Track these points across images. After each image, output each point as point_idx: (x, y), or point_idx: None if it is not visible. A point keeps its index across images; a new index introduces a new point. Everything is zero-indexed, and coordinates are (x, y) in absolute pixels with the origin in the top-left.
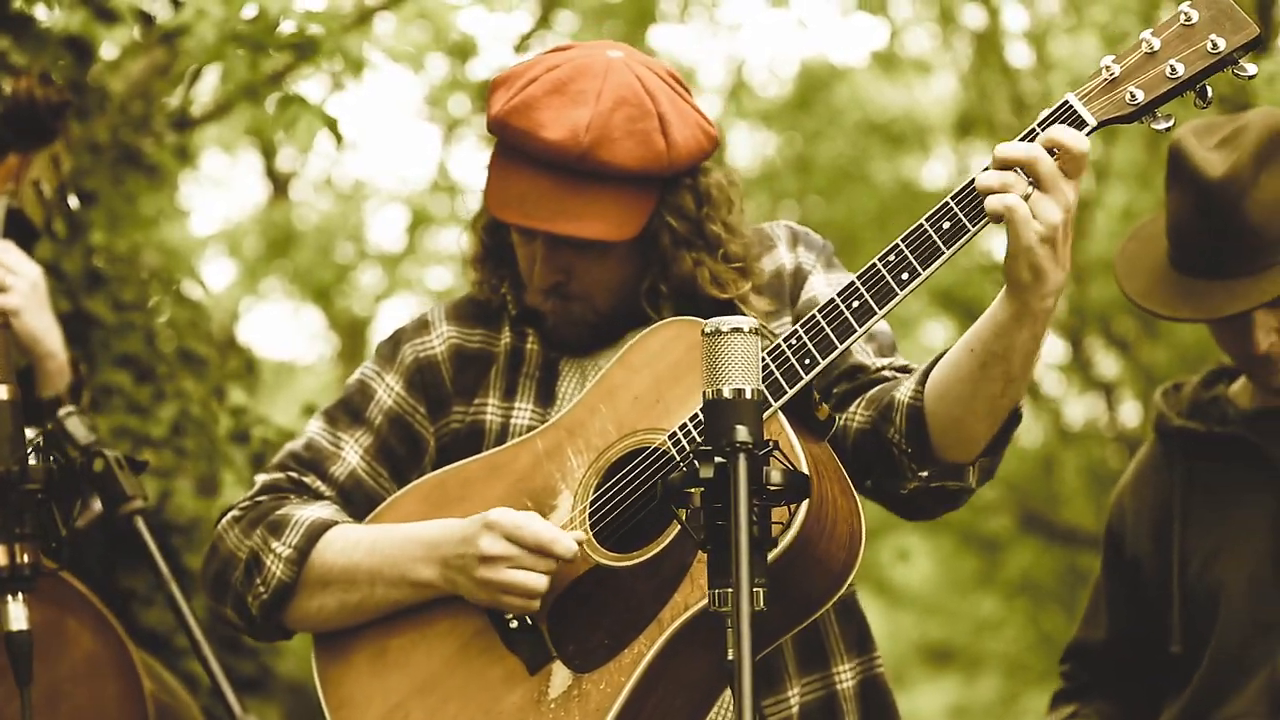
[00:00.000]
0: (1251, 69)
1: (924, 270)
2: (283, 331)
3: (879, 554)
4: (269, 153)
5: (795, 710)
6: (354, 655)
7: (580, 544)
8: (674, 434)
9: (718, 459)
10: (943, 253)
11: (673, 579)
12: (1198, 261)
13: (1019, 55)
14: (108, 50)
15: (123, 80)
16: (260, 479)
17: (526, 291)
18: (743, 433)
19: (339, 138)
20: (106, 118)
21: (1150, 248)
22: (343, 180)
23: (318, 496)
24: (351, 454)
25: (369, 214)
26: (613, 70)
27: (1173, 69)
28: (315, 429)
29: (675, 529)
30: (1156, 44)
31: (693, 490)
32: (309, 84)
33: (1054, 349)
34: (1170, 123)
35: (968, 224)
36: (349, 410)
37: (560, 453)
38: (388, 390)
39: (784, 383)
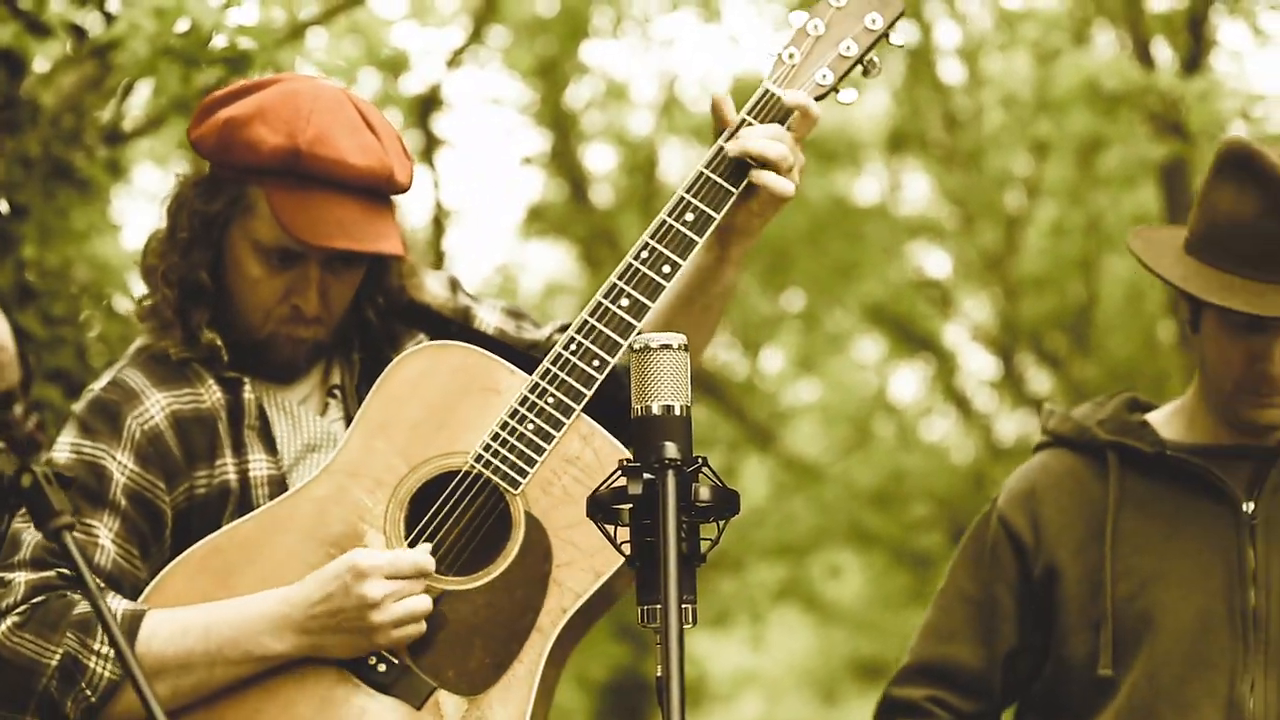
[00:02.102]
0: (901, 38)
1: (683, 260)
2: None
3: (810, 570)
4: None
5: None
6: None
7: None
8: (479, 454)
9: (646, 475)
10: (696, 241)
11: (537, 588)
12: (1263, 261)
13: (951, 72)
14: (40, 64)
15: (54, 94)
16: (20, 578)
17: (250, 320)
18: (671, 449)
19: None
20: (38, 131)
21: (1168, 249)
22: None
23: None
24: (106, 541)
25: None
26: (348, 95)
27: (848, 47)
28: None
29: (518, 539)
30: (823, 28)
31: (621, 506)
32: None
33: (985, 365)
34: (855, 96)
35: (711, 212)
36: (87, 495)
37: (347, 495)
38: (121, 468)
39: (580, 387)
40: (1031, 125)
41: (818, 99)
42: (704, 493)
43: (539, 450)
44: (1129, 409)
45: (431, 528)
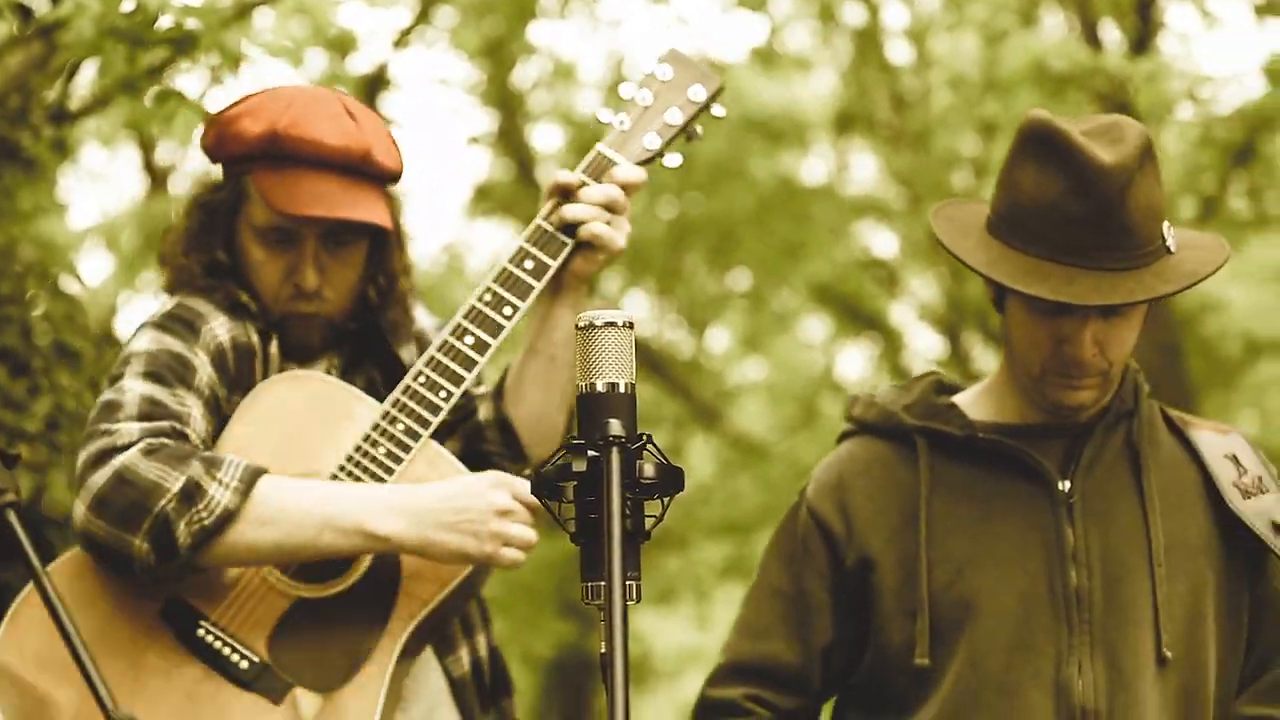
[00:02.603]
0: (720, 110)
1: (523, 303)
2: None
3: (756, 548)
4: (147, 147)
5: (467, 666)
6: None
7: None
8: (334, 473)
9: (591, 453)
10: (534, 287)
11: (387, 596)
12: (1069, 245)
13: (899, 52)
14: None
15: (1, 74)
16: (134, 427)
17: (264, 302)
18: (616, 426)
19: None
20: None
21: (971, 229)
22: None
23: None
24: (197, 415)
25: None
26: (337, 94)
27: (673, 116)
28: (147, 389)
29: (367, 557)
30: (650, 99)
31: (566, 483)
32: (187, 78)
33: (932, 344)
34: (679, 160)
35: (548, 260)
36: (177, 376)
37: None
38: (203, 365)
39: (428, 415)
40: (979, 106)
41: (644, 163)
42: (648, 470)
43: (389, 471)
44: (936, 391)
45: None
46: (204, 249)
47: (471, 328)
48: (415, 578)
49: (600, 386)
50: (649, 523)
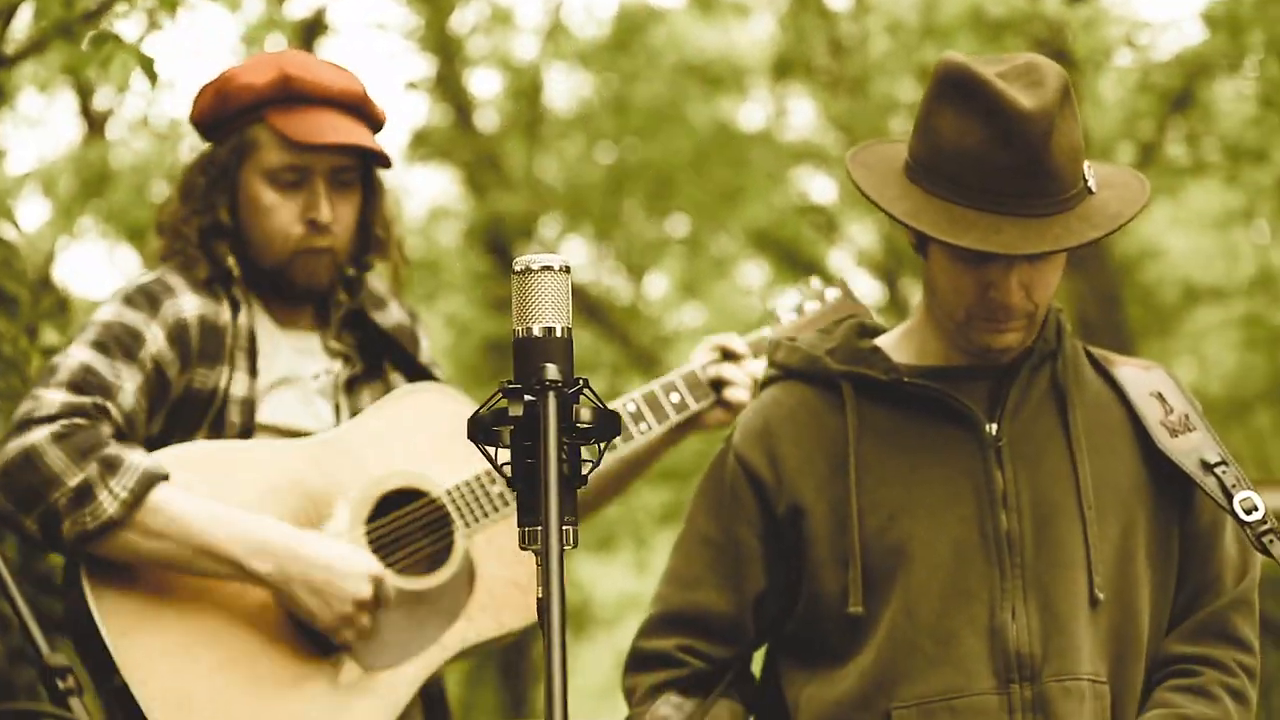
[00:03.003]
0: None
1: (657, 426)
2: (97, 271)
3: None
4: (84, 92)
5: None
6: (138, 589)
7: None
8: (450, 490)
9: (527, 397)
10: (671, 419)
11: (453, 611)
12: (993, 193)
13: None
14: None
15: None
16: (59, 398)
17: (271, 249)
18: (552, 371)
19: (154, 77)
20: None
21: (890, 176)
22: (159, 120)
23: (114, 425)
24: (130, 387)
25: (185, 154)
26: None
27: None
28: (89, 357)
29: (454, 567)
30: (814, 310)
31: (503, 427)
32: (125, 23)
33: (870, 290)
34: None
35: (691, 403)
36: (121, 347)
37: (336, 468)
38: (154, 339)
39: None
40: (917, 52)
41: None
42: (585, 414)
43: (496, 510)
44: (858, 335)
45: (390, 524)
46: (208, 209)
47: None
48: (481, 609)
49: (537, 331)
50: (586, 468)
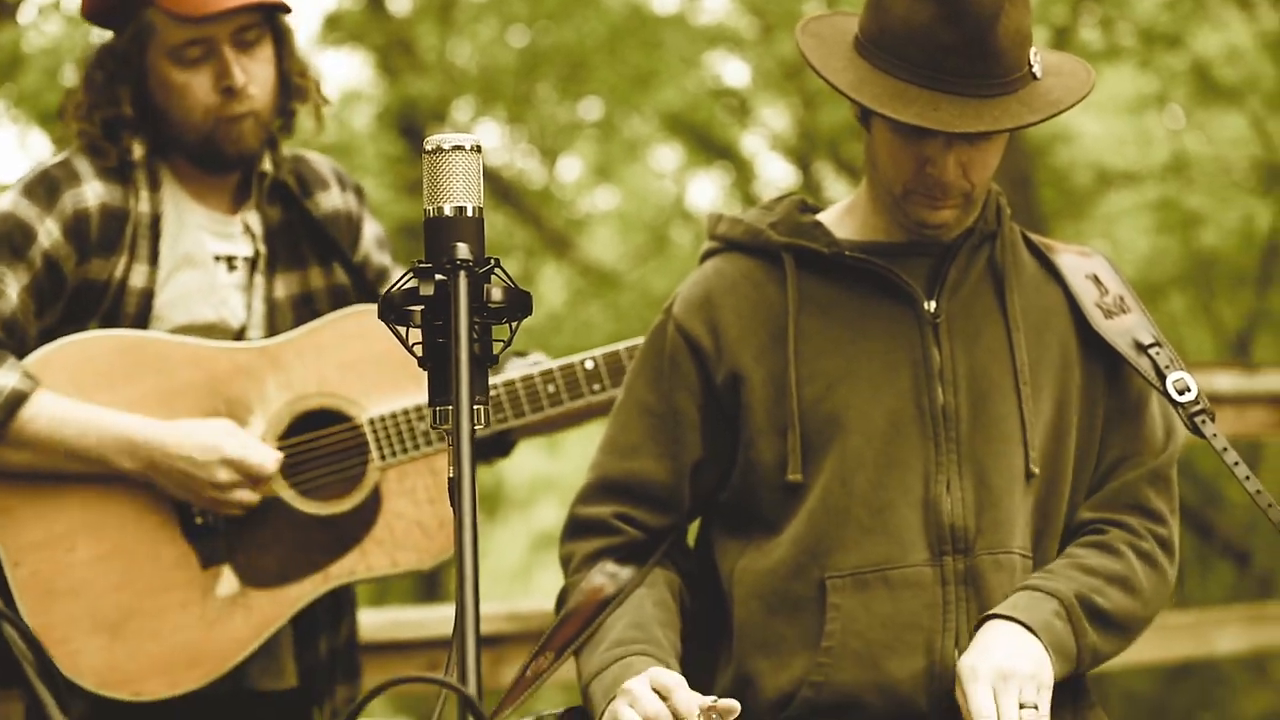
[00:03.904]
0: None
1: (612, 388)
2: (8, 155)
3: None
4: None
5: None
6: (27, 476)
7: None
8: (373, 418)
9: (438, 277)
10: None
11: (346, 542)
12: (937, 71)
13: None
14: None
15: None
16: None
17: (191, 126)
18: (463, 250)
19: None
20: None
21: (839, 49)
22: (70, 4)
23: None
24: (11, 291)
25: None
26: None
27: None
28: None
29: (359, 497)
30: None
31: (413, 307)
32: None
33: (784, 173)
34: None
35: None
36: (10, 246)
37: (260, 377)
38: (47, 234)
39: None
40: None
41: None
42: (496, 294)
43: (416, 448)
44: (800, 210)
45: (304, 443)
46: (111, 102)
47: (559, 380)
48: (378, 545)
49: (448, 210)
50: (497, 347)
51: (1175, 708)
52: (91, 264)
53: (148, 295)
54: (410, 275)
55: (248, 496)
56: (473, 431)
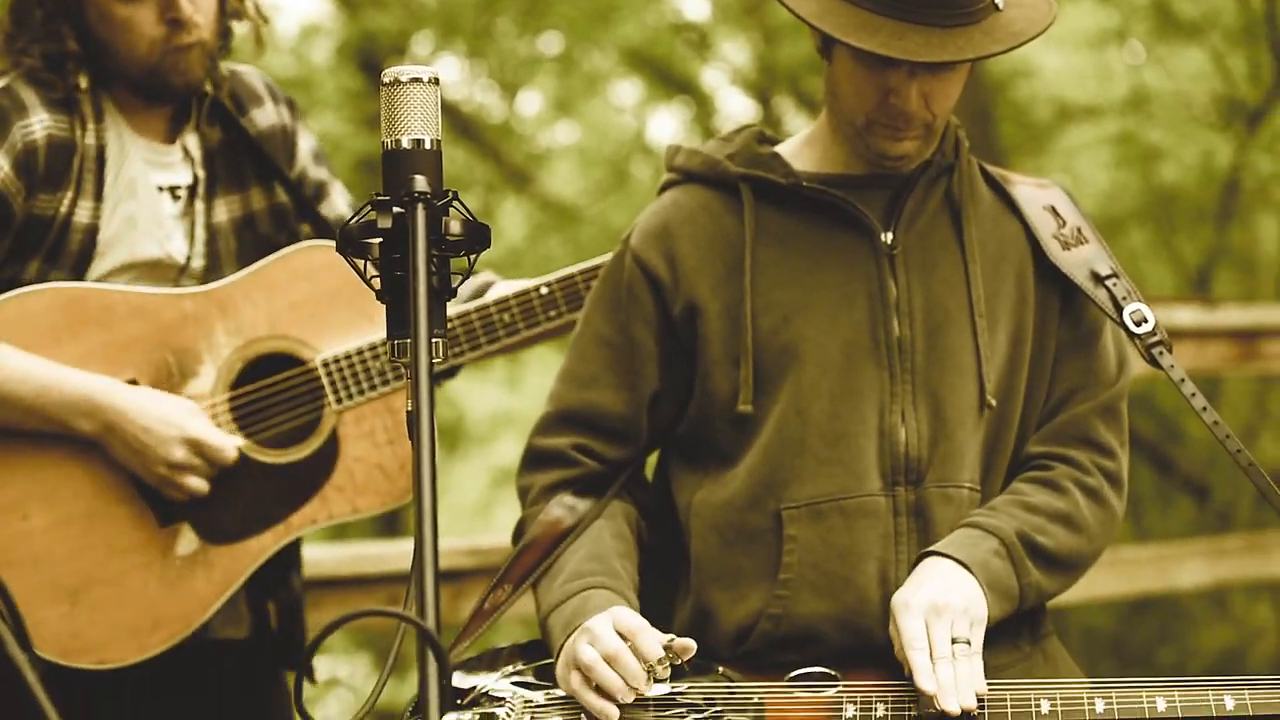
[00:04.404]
0: None
1: (569, 313)
2: None
3: None
4: None
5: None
6: None
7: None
8: (327, 360)
9: (396, 209)
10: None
11: (306, 490)
12: (901, 1)
13: None
14: None
15: None
16: None
17: (136, 60)
18: (421, 183)
19: None
20: None
21: None
22: None
23: None
24: None
25: None
26: None
27: None
28: None
29: (316, 443)
30: None
31: (371, 240)
32: None
33: (744, 108)
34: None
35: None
36: None
37: (208, 324)
38: None
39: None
40: None
41: None
42: (454, 226)
43: (374, 388)
44: (758, 142)
45: (257, 390)
46: (51, 37)
47: (515, 310)
48: (338, 491)
49: (406, 143)
50: (455, 280)
51: (1135, 642)
52: (38, 199)
53: (92, 231)
54: (368, 208)
55: (198, 483)
56: (431, 365)
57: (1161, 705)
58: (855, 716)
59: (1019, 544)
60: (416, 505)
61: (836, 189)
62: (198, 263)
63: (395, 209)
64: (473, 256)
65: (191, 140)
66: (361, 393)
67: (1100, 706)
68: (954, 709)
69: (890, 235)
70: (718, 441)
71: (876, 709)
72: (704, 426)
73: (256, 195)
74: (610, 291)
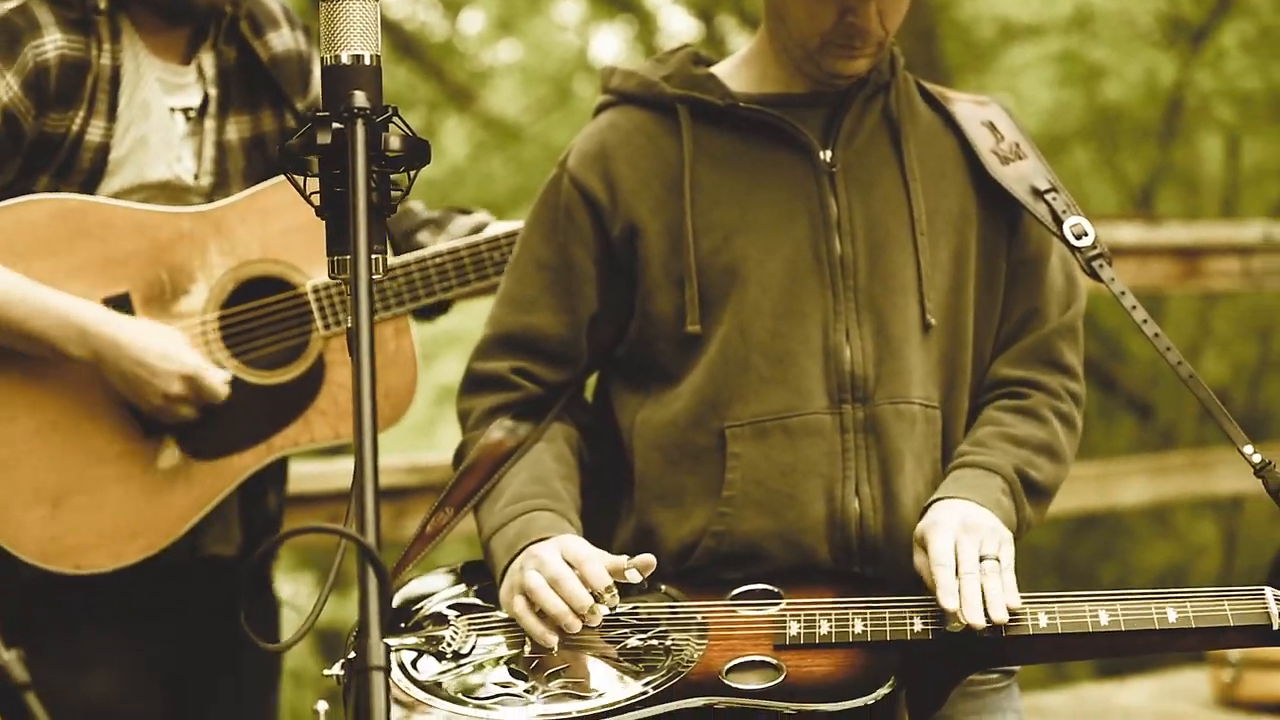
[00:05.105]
0: None
1: None
2: None
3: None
4: None
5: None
6: None
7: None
8: (317, 286)
9: (335, 125)
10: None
11: (290, 412)
12: None
13: None
14: None
15: None
16: None
17: None
18: (360, 98)
19: None
20: None
21: None
22: None
23: None
24: None
25: None
26: None
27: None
28: None
29: (303, 367)
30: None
31: (310, 157)
32: None
33: (687, 27)
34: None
35: None
36: None
37: (203, 244)
38: (6, 88)
39: (422, 293)
40: None
41: None
42: (394, 142)
43: (338, 323)
44: (693, 63)
45: (247, 311)
46: None
47: (506, 249)
48: (322, 415)
49: (345, 58)
50: (395, 196)
51: (1077, 559)
52: (49, 117)
53: (104, 150)
54: (308, 124)
55: (190, 412)
56: (370, 280)
57: (1104, 618)
58: (799, 634)
59: (1017, 481)
60: (356, 422)
61: (773, 109)
62: (205, 180)
63: (334, 125)
64: (412, 172)
65: (207, 60)
66: (349, 320)
67: (1044, 620)
68: (979, 622)
69: (829, 153)
70: (660, 362)
71: (820, 626)
72: (646, 347)
73: (268, 118)
74: (548, 214)
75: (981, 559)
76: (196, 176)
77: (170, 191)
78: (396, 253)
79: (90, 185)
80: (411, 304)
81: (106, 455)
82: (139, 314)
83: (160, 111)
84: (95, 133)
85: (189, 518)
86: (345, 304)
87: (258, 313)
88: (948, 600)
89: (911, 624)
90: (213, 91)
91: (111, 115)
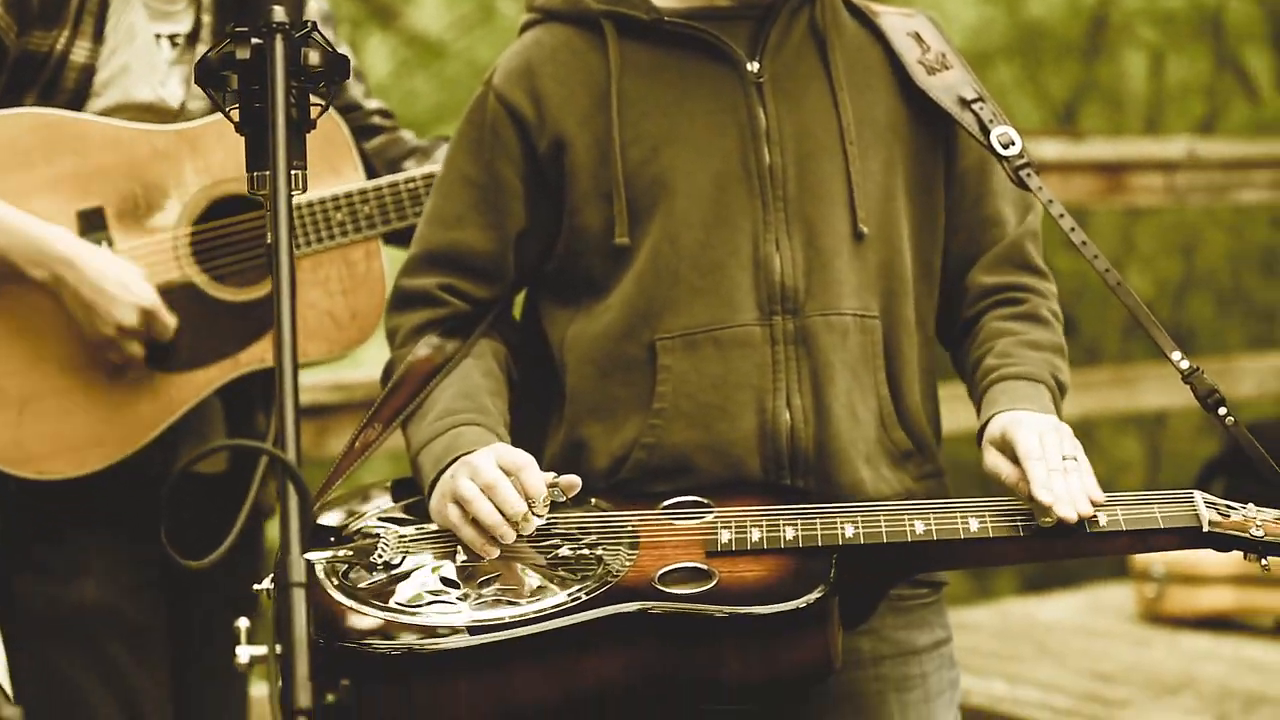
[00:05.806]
0: None
1: None
2: None
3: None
4: None
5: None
6: None
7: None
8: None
9: (254, 40)
10: None
11: (257, 329)
12: None
13: None
14: None
15: None
16: None
17: None
18: (279, 13)
19: None
20: None
21: None
22: None
23: None
24: None
25: None
26: None
27: None
28: None
29: (265, 290)
30: None
31: (228, 73)
32: None
33: None
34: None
35: None
36: None
37: (178, 161)
38: None
39: (394, 217)
40: None
41: None
42: (313, 57)
43: (333, 238)
44: None
45: (219, 228)
46: None
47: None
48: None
49: None
50: (314, 111)
51: None
52: (32, 35)
53: (88, 71)
54: (227, 40)
55: (138, 350)
56: (290, 195)
57: (919, 528)
58: (730, 541)
59: (1055, 385)
60: (276, 337)
61: (698, 21)
62: (194, 104)
63: (253, 40)
64: (332, 87)
65: None
66: (320, 240)
67: (975, 524)
68: (1071, 516)
69: (756, 65)
70: (590, 276)
71: (751, 534)
72: (574, 262)
73: None
74: (474, 132)
75: (1062, 459)
76: (184, 102)
77: (156, 113)
78: None
79: (75, 105)
80: (383, 227)
81: (74, 364)
82: (112, 227)
83: (145, 37)
84: (80, 53)
85: (152, 429)
86: (317, 226)
87: (229, 230)
88: (1042, 494)
89: (843, 530)
90: (206, 19)
91: (98, 37)
